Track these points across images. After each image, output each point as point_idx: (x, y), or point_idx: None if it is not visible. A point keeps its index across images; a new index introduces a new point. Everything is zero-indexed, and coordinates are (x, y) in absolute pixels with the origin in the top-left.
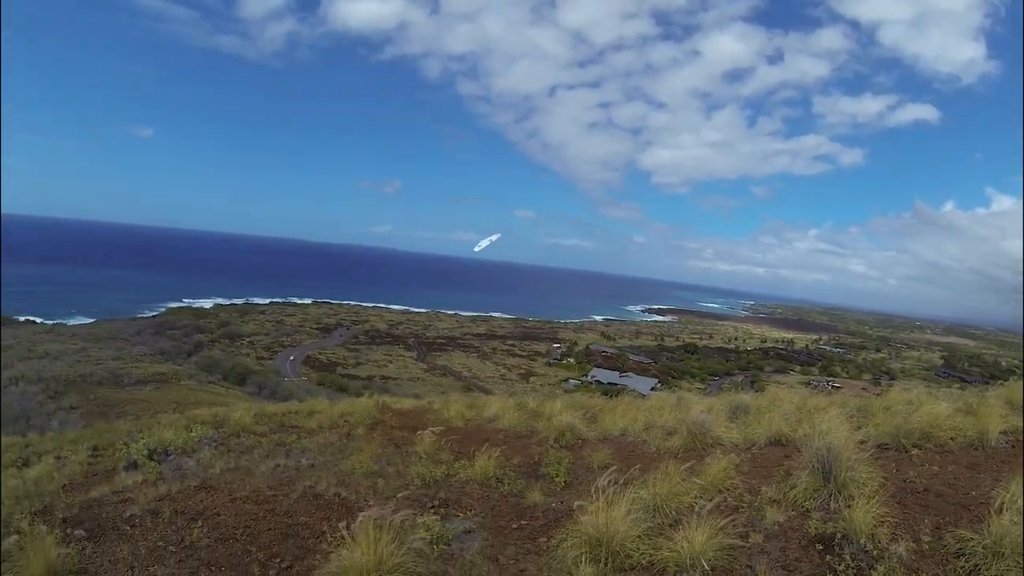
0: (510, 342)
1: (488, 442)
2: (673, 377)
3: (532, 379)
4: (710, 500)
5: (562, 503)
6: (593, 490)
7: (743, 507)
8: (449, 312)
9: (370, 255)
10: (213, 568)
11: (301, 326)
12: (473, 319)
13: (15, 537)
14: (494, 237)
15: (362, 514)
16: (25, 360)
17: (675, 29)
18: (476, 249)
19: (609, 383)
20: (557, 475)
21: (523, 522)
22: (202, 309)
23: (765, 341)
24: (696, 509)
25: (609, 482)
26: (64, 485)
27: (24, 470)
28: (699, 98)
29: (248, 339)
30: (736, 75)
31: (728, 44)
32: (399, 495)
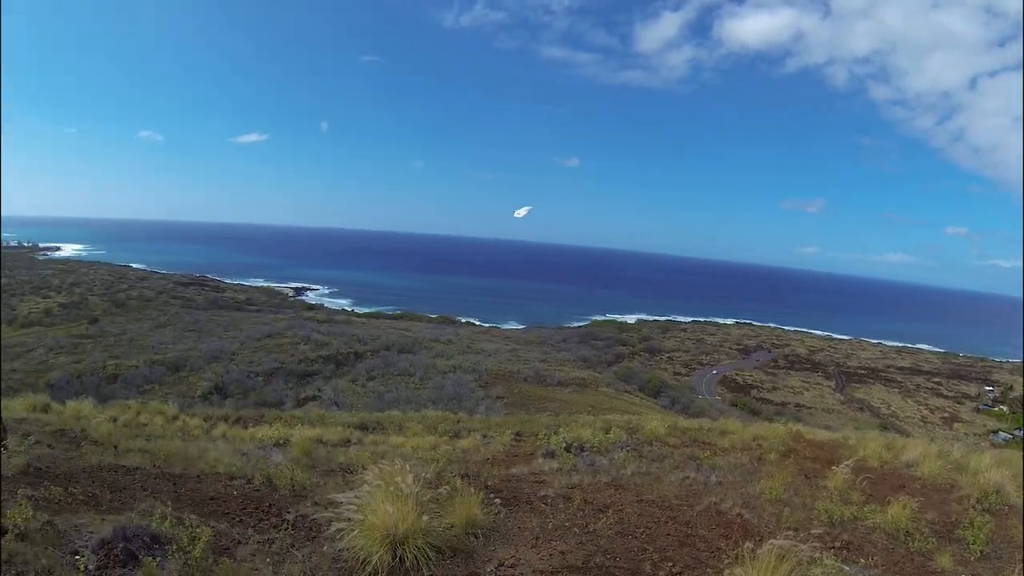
0: (936, 379)
1: (903, 489)
2: None
3: (956, 425)
4: None
5: None
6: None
7: None
8: (872, 341)
9: (794, 277)
10: (608, 556)
11: (720, 346)
12: (898, 350)
13: (446, 488)
14: (527, 209)
15: (770, 541)
16: (463, 353)
17: None
18: (518, 215)
19: None
20: (974, 542)
21: None
22: (626, 323)
23: None
24: None
25: None
26: (488, 459)
27: (455, 440)
28: None
29: (667, 355)
30: None
31: None
32: (802, 528)
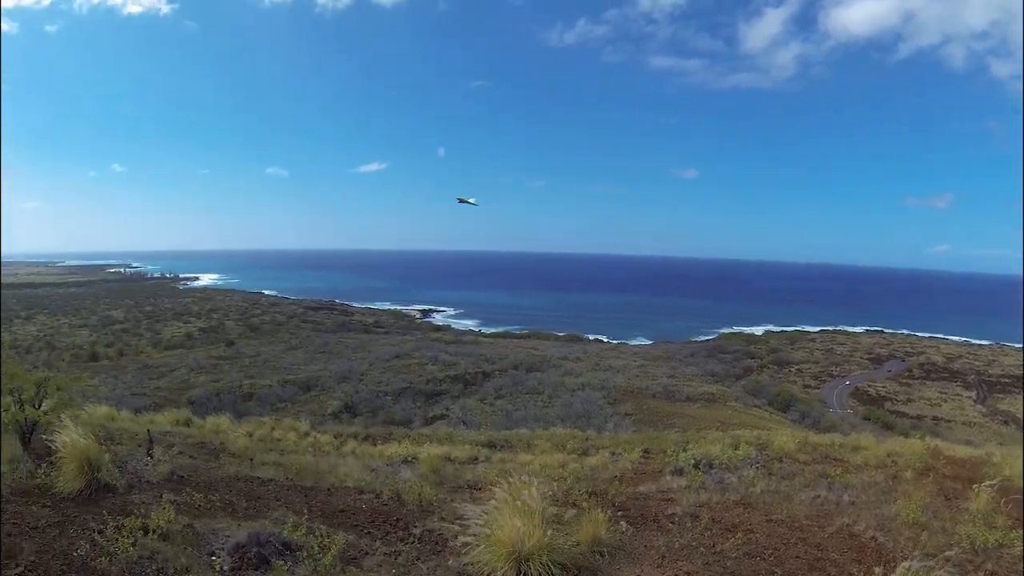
0: None
1: None
2: None
3: None
4: None
5: None
6: None
7: None
8: (1016, 346)
9: (926, 279)
10: None
11: (851, 356)
12: None
13: (574, 511)
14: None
15: (903, 564)
16: (592, 371)
17: None
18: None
19: None
20: None
21: None
22: (753, 335)
23: None
24: None
25: None
26: (615, 476)
27: (583, 458)
28: None
29: (796, 367)
30: None
31: None
32: (941, 553)
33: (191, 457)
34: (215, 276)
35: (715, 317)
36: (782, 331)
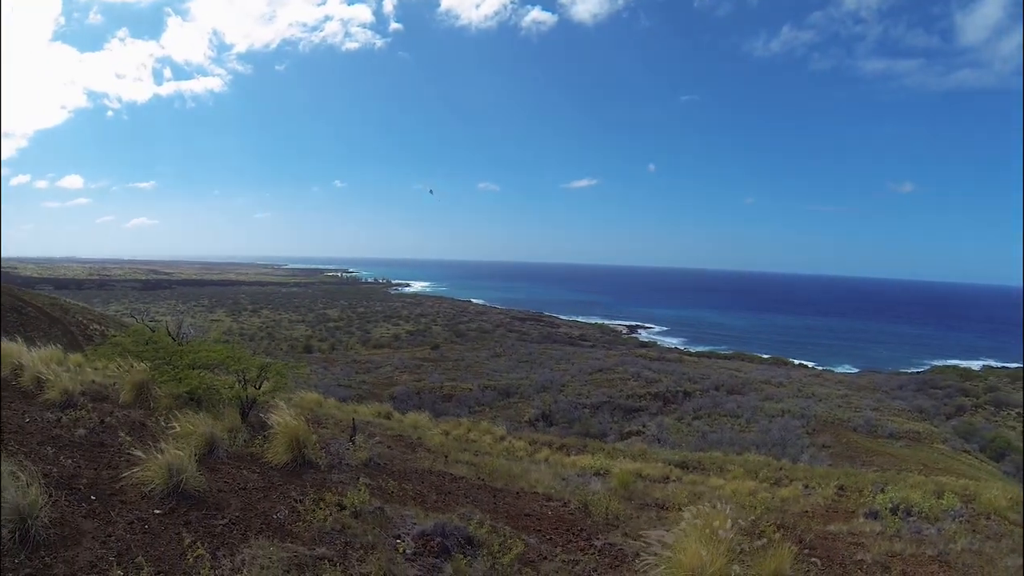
0: None
1: None
2: None
3: None
4: None
5: None
6: None
7: None
8: None
9: None
10: None
11: None
12: None
13: (761, 542)
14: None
15: None
16: (793, 397)
17: None
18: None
19: None
20: None
21: None
22: (970, 370)
23: None
24: None
25: None
26: (806, 511)
27: (775, 488)
28: None
29: (1016, 409)
30: None
31: None
32: None
33: (389, 447)
34: (425, 283)
35: (929, 347)
36: (1003, 367)
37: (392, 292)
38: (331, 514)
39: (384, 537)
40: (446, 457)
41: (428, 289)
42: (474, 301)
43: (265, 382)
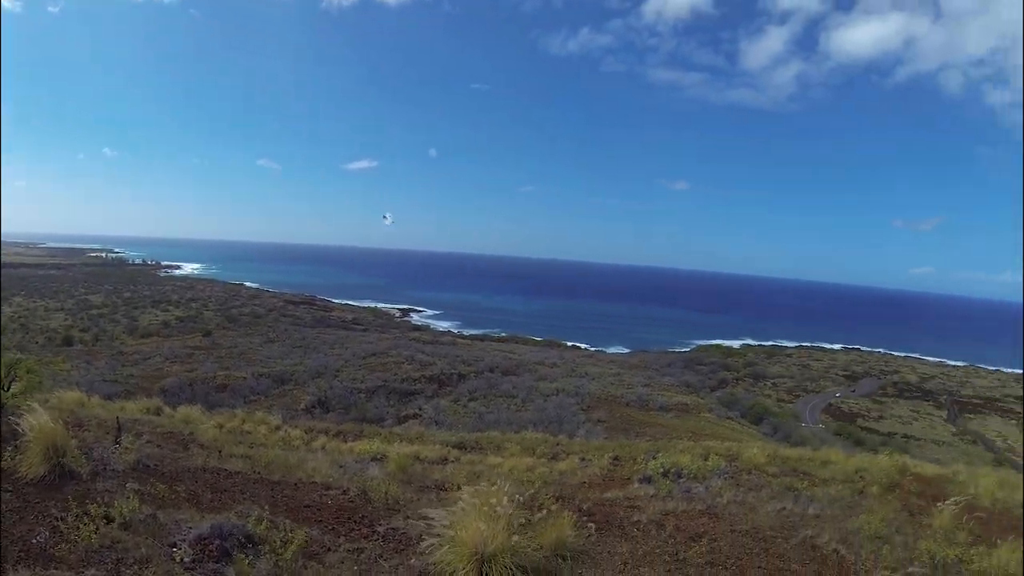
0: None
1: (1016, 531)
2: None
3: None
4: None
5: None
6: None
7: None
8: (990, 368)
9: (906, 300)
10: None
11: (827, 372)
12: (1017, 378)
13: (543, 512)
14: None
15: None
16: (567, 377)
17: None
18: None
19: None
20: None
21: None
22: (731, 348)
23: None
24: None
25: None
26: (584, 482)
27: (553, 463)
28: None
29: (771, 381)
30: None
31: None
32: (902, 568)
33: (159, 446)
34: (197, 265)
35: (695, 329)
36: (760, 345)
37: (162, 275)
38: (98, 529)
39: (159, 547)
40: (220, 452)
41: (200, 271)
42: (247, 284)
43: (15, 382)
